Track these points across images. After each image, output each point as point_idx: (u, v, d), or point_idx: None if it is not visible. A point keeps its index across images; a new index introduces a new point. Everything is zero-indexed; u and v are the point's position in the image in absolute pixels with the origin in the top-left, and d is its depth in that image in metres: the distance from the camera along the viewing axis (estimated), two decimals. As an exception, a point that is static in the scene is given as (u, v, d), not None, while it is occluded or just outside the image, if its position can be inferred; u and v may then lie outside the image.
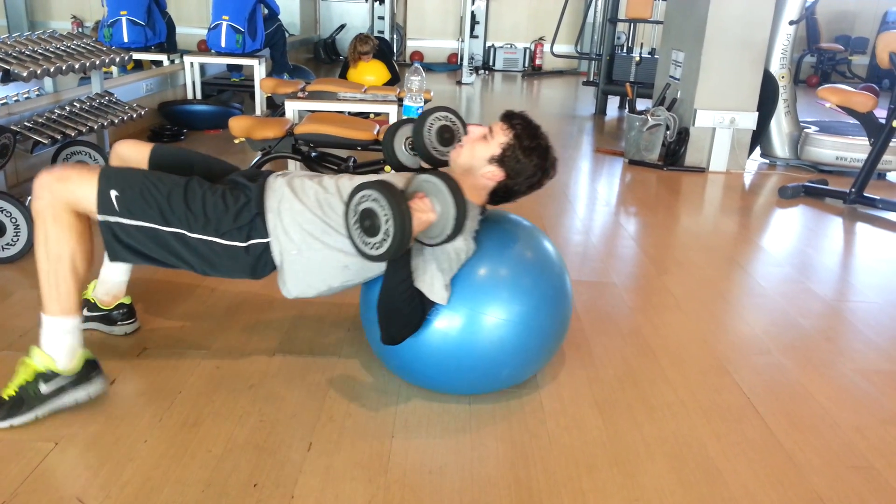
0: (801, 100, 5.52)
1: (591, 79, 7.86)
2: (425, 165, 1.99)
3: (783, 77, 4.85)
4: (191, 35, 7.58)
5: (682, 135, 4.72)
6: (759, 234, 3.57)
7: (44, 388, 1.69)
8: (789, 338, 2.38)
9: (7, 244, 2.59)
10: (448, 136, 1.98)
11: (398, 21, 10.35)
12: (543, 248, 1.93)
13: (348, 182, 1.84)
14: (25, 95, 3.67)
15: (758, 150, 5.03)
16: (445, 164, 1.94)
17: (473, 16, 9.62)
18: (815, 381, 2.09)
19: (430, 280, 1.67)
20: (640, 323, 2.43)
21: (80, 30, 7.89)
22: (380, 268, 1.75)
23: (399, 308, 1.67)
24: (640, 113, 4.83)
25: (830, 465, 1.70)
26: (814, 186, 4.18)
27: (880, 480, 1.66)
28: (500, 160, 1.79)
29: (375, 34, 8.92)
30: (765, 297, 2.74)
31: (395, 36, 9.99)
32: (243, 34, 5.35)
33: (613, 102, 7.20)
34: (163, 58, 5.67)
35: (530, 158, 1.80)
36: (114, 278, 2.11)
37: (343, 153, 3.51)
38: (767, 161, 5.05)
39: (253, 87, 5.58)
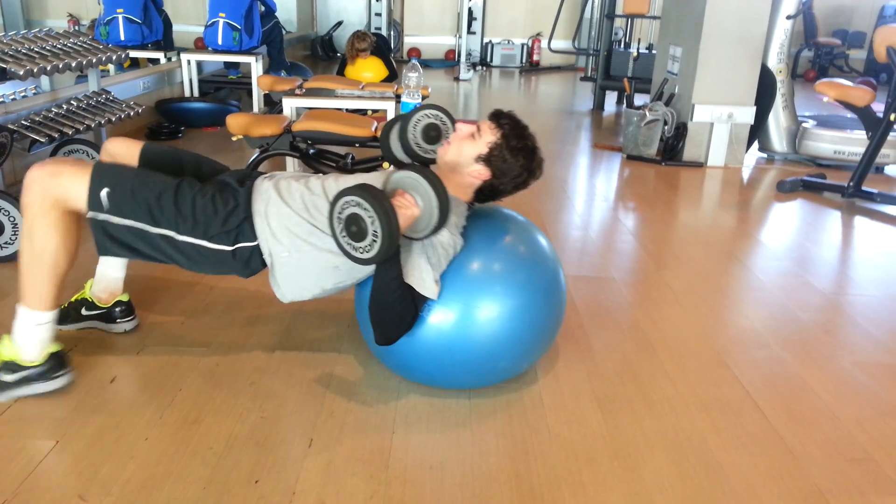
0: (799, 94, 5.52)
1: (589, 74, 7.86)
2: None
3: (781, 71, 4.85)
4: (187, 32, 7.56)
5: (680, 130, 4.72)
6: (758, 229, 3.57)
7: (7, 377, 1.75)
8: (788, 331, 2.38)
9: (5, 243, 2.59)
10: (434, 135, 1.99)
11: (395, 17, 10.34)
12: (535, 241, 1.93)
13: (334, 183, 1.84)
14: (22, 94, 3.66)
15: (756, 145, 5.03)
16: (432, 161, 1.95)
17: (471, 12, 9.61)
18: (814, 375, 2.10)
19: (420, 275, 1.68)
20: (640, 317, 2.43)
21: (76, 28, 7.86)
22: (370, 267, 1.75)
23: (391, 306, 1.67)
24: (638, 108, 4.83)
25: (830, 458, 1.71)
26: (812, 181, 4.18)
27: (880, 473, 1.66)
28: (487, 159, 1.80)
29: (373, 31, 8.91)
30: (764, 290, 2.74)
31: (392, 32, 9.98)
32: (240, 31, 5.34)
33: (611, 98, 7.19)
34: (159, 55, 5.66)
35: (517, 158, 1.81)
36: (110, 275, 2.11)
37: (341, 150, 3.50)
38: (765, 155, 5.06)
39: (250, 84, 5.57)
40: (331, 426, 1.73)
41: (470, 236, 1.80)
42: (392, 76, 5.70)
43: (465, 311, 1.74)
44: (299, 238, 1.78)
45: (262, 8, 5.83)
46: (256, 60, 5.47)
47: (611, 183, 4.41)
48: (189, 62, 5.42)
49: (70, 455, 1.58)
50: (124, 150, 1.97)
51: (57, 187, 1.69)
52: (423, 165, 1.76)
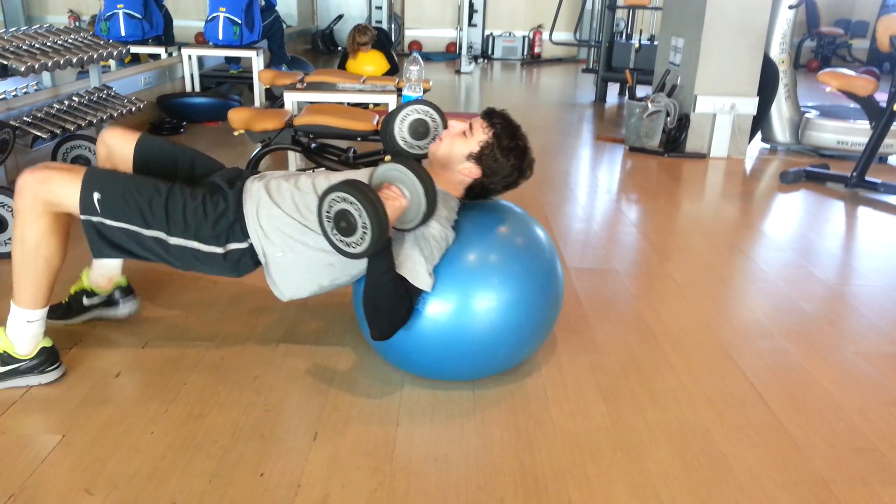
0: (802, 84, 5.50)
1: (591, 66, 7.84)
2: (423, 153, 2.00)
3: (783, 62, 4.83)
4: (188, 27, 7.55)
5: (683, 121, 4.71)
6: (761, 220, 3.56)
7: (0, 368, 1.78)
8: (792, 322, 2.38)
9: (8, 240, 2.59)
10: (423, 130, 2.00)
11: (396, 11, 10.31)
12: (531, 232, 1.94)
13: (324, 180, 1.85)
14: (24, 90, 3.66)
15: (758, 136, 5.01)
16: (423, 156, 1.97)
17: (471, 4, 9.58)
18: (818, 365, 2.10)
19: (413, 266, 1.68)
20: (643, 309, 2.43)
21: (76, 24, 7.85)
22: (364, 262, 1.75)
23: (385, 300, 1.67)
24: (640, 100, 4.82)
25: (834, 448, 1.71)
26: (815, 171, 4.17)
27: (884, 462, 1.67)
28: (478, 158, 1.81)
29: (373, 24, 8.89)
30: (767, 281, 2.74)
31: (392, 26, 9.96)
32: (240, 26, 5.33)
33: (613, 89, 7.18)
34: (160, 51, 5.65)
35: (508, 158, 1.82)
36: (107, 262, 2.12)
37: (343, 144, 3.50)
38: (768, 146, 5.04)
39: (251, 78, 5.56)
40: (335, 419, 1.74)
41: (467, 227, 1.81)
42: (393, 70, 5.69)
43: (462, 302, 1.75)
44: (292, 238, 1.80)
45: (263, 2, 5.83)
46: (257, 55, 5.47)
47: (613, 175, 4.40)
48: (190, 57, 5.41)
49: (76, 449, 1.59)
50: (120, 142, 1.98)
51: (47, 193, 1.71)
52: (409, 158, 1.76)
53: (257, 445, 1.63)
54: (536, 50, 10.34)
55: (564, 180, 4.10)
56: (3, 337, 1.79)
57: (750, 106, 4.66)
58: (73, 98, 3.45)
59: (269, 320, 2.21)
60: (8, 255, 2.58)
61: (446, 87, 7.54)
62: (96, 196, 1.72)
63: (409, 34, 10.60)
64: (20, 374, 1.80)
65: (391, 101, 3.86)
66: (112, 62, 4.88)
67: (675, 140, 4.73)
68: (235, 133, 3.30)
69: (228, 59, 6.08)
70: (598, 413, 1.81)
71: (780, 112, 4.88)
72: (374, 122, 3.30)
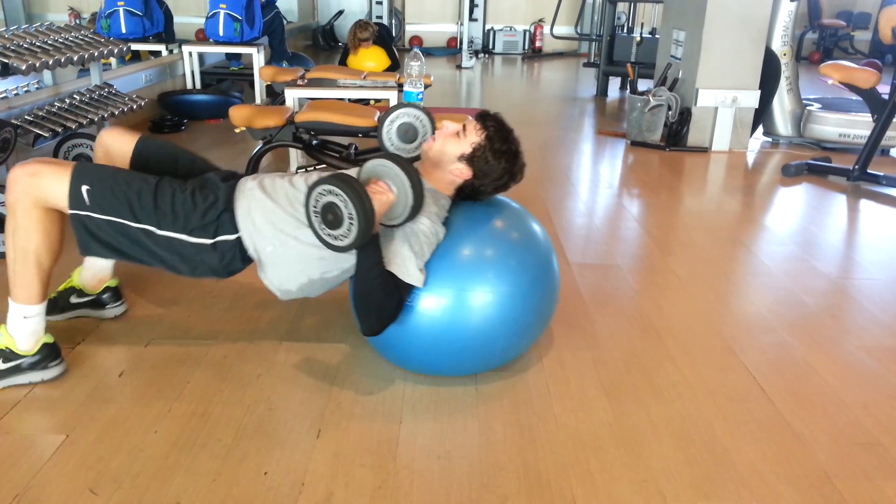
0: (803, 77, 5.48)
1: (592, 60, 7.81)
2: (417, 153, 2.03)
3: (785, 54, 4.81)
4: (188, 24, 7.54)
5: (684, 115, 4.70)
6: (763, 213, 3.56)
7: (1, 365, 1.79)
8: (794, 316, 2.38)
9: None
10: (411, 134, 2.03)
11: (396, 6, 10.28)
12: (524, 224, 1.95)
13: (317, 178, 1.85)
14: (25, 89, 3.66)
15: (760, 129, 5.00)
16: (416, 159, 1.98)
17: (472, -1, 9.55)
18: (820, 359, 2.09)
19: (403, 262, 1.69)
20: (645, 304, 2.43)
21: (77, 21, 7.85)
22: (353, 256, 1.76)
23: (374, 294, 1.67)
24: (642, 94, 4.80)
25: (837, 443, 1.71)
26: (817, 164, 4.16)
27: (887, 457, 1.67)
28: (470, 159, 1.83)
29: (374, 20, 8.87)
30: (769, 275, 2.74)
31: (393, 21, 9.93)
32: (241, 22, 5.32)
33: (614, 84, 7.15)
34: (161, 48, 5.65)
35: (499, 161, 1.84)
36: (98, 262, 2.13)
37: (344, 140, 3.50)
38: (770, 139, 5.03)
39: (252, 75, 5.56)
40: (338, 417, 1.74)
41: (462, 221, 1.83)
42: (394, 65, 5.68)
43: (458, 296, 1.75)
44: (283, 233, 1.80)
45: (263, -2, 5.81)
46: (258, 51, 5.46)
47: (615, 169, 4.39)
48: (191, 54, 5.41)
49: (80, 448, 1.59)
50: (118, 143, 1.98)
51: (37, 188, 1.72)
52: (398, 155, 1.78)
53: (261, 444, 1.63)
54: (537, 44, 10.30)
55: (566, 175, 4.10)
56: (4, 334, 1.80)
57: (752, 99, 4.65)
58: (74, 96, 3.45)
59: (270, 318, 2.22)
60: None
61: (447, 83, 7.53)
62: (85, 188, 1.73)
63: (410, 29, 10.57)
64: (22, 370, 1.81)
65: (392, 97, 3.86)
66: (113, 60, 4.88)
67: (676, 134, 4.72)
68: (236, 130, 3.30)
69: (229, 56, 6.08)
70: (600, 409, 1.82)
71: (781, 105, 4.87)
72: (376, 119, 3.30)
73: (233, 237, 1.82)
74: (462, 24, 9.43)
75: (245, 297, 2.35)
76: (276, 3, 6.34)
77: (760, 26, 4.55)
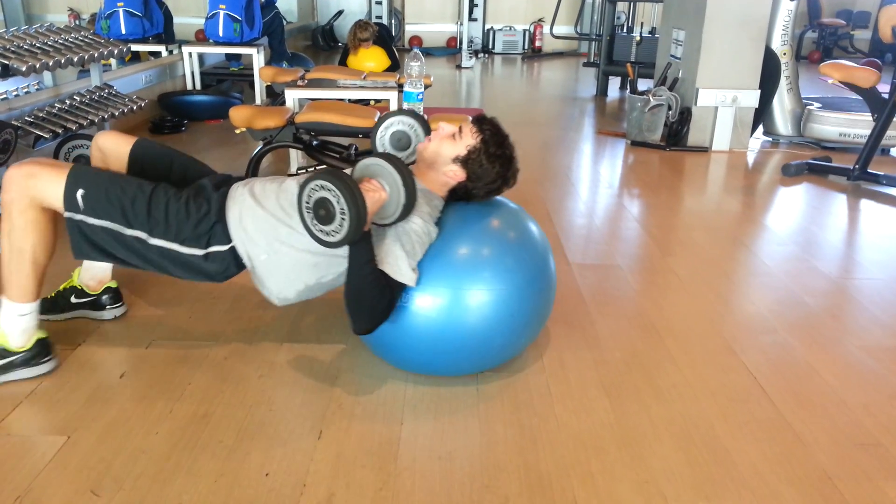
0: (803, 76, 5.48)
1: (592, 60, 7.82)
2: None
3: (785, 54, 4.81)
4: (188, 25, 7.54)
5: (685, 114, 4.70)
6: (763, 213, 3.56)
7: None
8: (795, 316, 2.38)
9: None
10: (405, 141, 2.06)
11: (396, 6, 10.28)
12: (520, 222, 1.95)
13: None
14: (25, 90, 3.66)
15: (760, 129, 5.00)
16: (411, 163, 2.01)
17: (472, -1, 9.56)
18: (821, 360, 2.10)
19: (395, 262, 1.69)
20: (646, 305, 2.43)
21: (76, 22, 7.85)
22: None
23: (366, 292, 1.68)
24: (642, 93, 4.81)
25: (838, 443, 1.71)
26: (817, 164, 4.16)
27: (888, 457, 1.67)
28: (465, 161, 1.84)
29: (374, 20, 8.87)
30: (770, 275, 2.74)
31: (393, 21, 9.93)
32: (241, 23, 5.32)
33: (614, 83, 7.15)
34: (161, 49, 5.65)
35: (493, 165, 1.85)
36: (99, 263, 2.13)
37: (345, 141, 3.50)
38: (770, 139, 5.03)
39: (252, 75, 5.56)
40: (339, 418, 1.74)
41: (458, 220, 1.84)
42: (394, 66, 5.68)
43: (454, 295, 1.76)
44: (277, 241, 1.81)
45: (263, -1, 5.81)
46: (258, 52, 5.46)
47: (615, 169, 4.39)
48: (190, 55, 5.41)
49: (82, 450, 1.60)
50: (114, 145, 1.99)
51: (33, 188, 1.73)
52: (392, 155, 1.80)
53: (262, 445, 1.63)
54: (537, 44, 10.31)
55: (566, 175, 4.10)
56: None
57: (752, 99, 4.65)
58: (75, 97, 3.45)
59: (271, 319, 2.22)
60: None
61: (447, 82, 7.53)
62: (80, 193, 1.74)
63: (410, 29, 10.57)
64: (15, 367, 1.83)
65: (392, 98, 3.86)
66: (113, 61, 4.88)
67: (676, 134, 4.72)
68: (237, 131, 3.30)
69: (229, 57, 6.08)
70: (601, 409, 1.82)
71: (781, 104, 4.87)
72: (376, 119, 3.30)
73: (225, 248, 1.83)
74: (462, 24, 9.43)
75: (246, 298, 2.35)
76: (276, 4, 6.34)
77: (760, 25, 4.56)
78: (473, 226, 1.87)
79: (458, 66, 8.68)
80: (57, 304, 2.14)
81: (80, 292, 2.15)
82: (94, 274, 2.15)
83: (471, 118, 1.91)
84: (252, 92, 5.66)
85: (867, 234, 3.32)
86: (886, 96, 3.88)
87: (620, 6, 7.45)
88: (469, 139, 1.84)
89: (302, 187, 1.65)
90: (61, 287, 2.17)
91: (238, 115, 3.23)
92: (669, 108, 4.68)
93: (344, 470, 1.56)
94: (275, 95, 5.37)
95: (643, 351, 2.12)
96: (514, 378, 1.94)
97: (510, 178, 1.91)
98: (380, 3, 9.75)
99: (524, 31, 10.31)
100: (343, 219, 1.60)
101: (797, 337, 2.23)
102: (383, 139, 2.08)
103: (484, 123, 1.87)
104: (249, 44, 5.46)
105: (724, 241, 3.10)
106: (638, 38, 6.70)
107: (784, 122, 4.90)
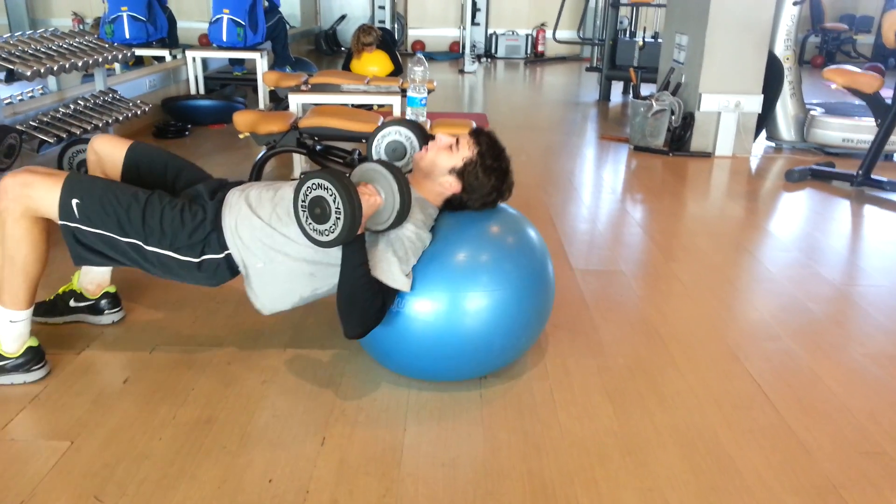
0: (806, 81, 5.48)
1: (595, 64, 7.82)
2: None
3: (788, 59, 4.81)
4: (191, 29, 7.56)
5: (688, 120, 4.70)
6: (767, 219, 3.55)
7: None
8: (799, 323, 2.37)
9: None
10: (400, 151, 2.09)
11: (399, 10, 10.30)
12: (521, 230, 1.95)
13: None
14: (30, 94, 3.67)
15: (763, 134, 5.00)
16: (409, 172, 2.02)
17: (474, 3, 9.57)
18: (825, 367, 2.09)
19: (388, 268, 1.70)
20: (649, 311, 2.43)
21: (80, 27, 7.88)
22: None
23: (358, 295, 1.68)
24: (645, 98, 4.81)
25: (843, 451, 1.70)
26: (821, 169, 4.16)
27: (893, 466, 1.66)
28: (460, 173, 1.86)
29: (377, 24, 8.89)
30: (773, 282, 2.73)
31: (395, 25, 9.95)
32: (244, 27, 5.33)
33: (617, 88, 7.16)
34: (164, 53, 5.66)
35: (489, 178, 1.87)
36: (97, 268, 2.15)
37: (348, 146, 3.50)
38: (773, 144, 5.02)
39: (255, 80, 5.57)
40: (342, 424, 1.74)
41: (456, 225, 1.86)
42: (397, 70, 5.69)
43: (452, 299, 1.77)
44: (273, 249, 1.82)
45: (266, 3, 5.82)
46: (261, 56, 5.47)
47: (618, 174, 4.39)
48: (194, 59, 5.41)
49: (85, 455, 1.60)
50: (110, 149, 2.01)
51: (28, 197, 1.74)
52: (388, 162, 1.81)
53: (266, 451, 1.63)
54: (540, 48, 10.32)
55: (569, 180, 4.10)
56: None
57: (755, 104, 4.65)
58: (79, 102, 3.46)
59: (274, 324, 2.22)
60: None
61: (450, 87, 7.54)
62: (75, 202, 1.75)
63: (412, 34, 10.59)
64: (6, 371, 1.84)
65: (396, 103, 3.86)
66: (116, 65, 4.90)
67: (679, 139, 4.72)
68: (241, 136, 3.31)
69: (232, 61, 6.09)
70: (605, 416, 1.81)
71: (785, 110, 4.87)
72: (379, 124, 3.30)
73: (219, 256, 1.84)
74: (464, 29, 9.44)
75: (249, 303, 2.33)
76: (279, 8, 6.35)
77: (763, 30, 4.56)
78: (469, 229, 1.88)
79: (461, 71, 8.69)
80: (55, 307, 2.15)
81: (79, 296, 2.16)
82: (94, 278, 2.16)
83: (472, 128, 1.93)
84: (255, 97, 5.67)
85: (871, 241, 3.32)
86: (890, 101, 3.87)
87: (623, 11, 7.45)
88: (465, 151, 1.86)
89: (299, 185, 1.66)
90: (60, 290, 2.18)
91: (242, 119, 3.24)
92: (672, 113, 4.68)
93: (347, 476, 1.56)
94: (278, 100, 5.38)
95: (647, 357, 2.11)
96: (518, 384, 1.94)
97: (505, 191, 1.93)
98: (383, 7, 9.76)
99: (527, 35, 10.32)
100: (338, 219, 1.61)
101: (801, 344, 2.23)
102: (378, 148, 2.10)
103: (480, 136, 1.89)
104: (253, 48, 5.47)
105: (728, 247, 3.10)
106: (641, 42, 6.71)
107: (787, 128, 4.90)
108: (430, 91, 3.37)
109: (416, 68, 3.25)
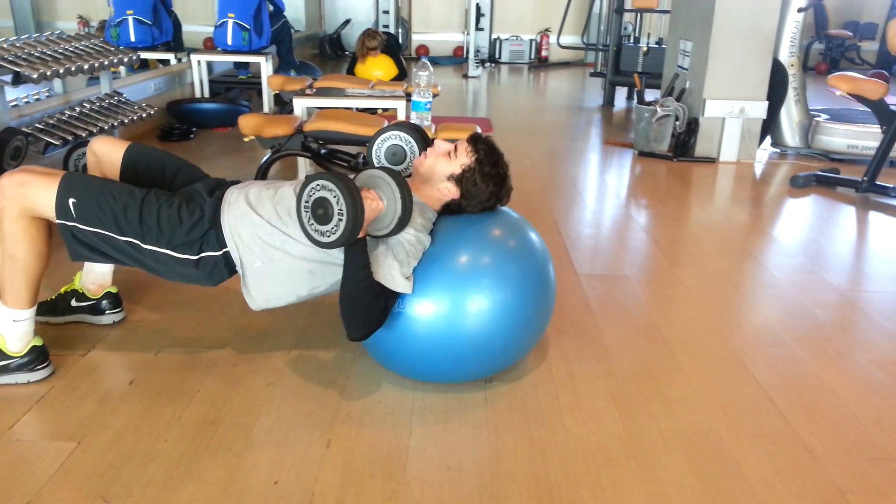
0: (810, 87, 5.48)
1: (599, 70, 7.84)
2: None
3: (792, 65, 4.82)
4: (196, 33, 7.59)
5: (692, 125, 4.70)
6: (772, 225, 3.55)
7: None
8: (804, 329, 2.37)
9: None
10: (400, 155, 2.09)
11: (403, 15, 10.33)
12: (521, 232, 1.96)
13: None
14: (35, 97, 3.69)
15: (768, 140, 5.00)
16: (408, 176, 2.03)
17: (478, 8, 9.59)
18: (831, 373, 2.09)
19: (388, 271, 1.71)
20: (654, 316, 2.42)
21: (86, 30, 7.91)
22: (341, 269, 1.78)
23: (360, 297, 1.69)
24: (649, 104, 4.81)
25: (849, 457, 1.70)
26: (825, 175, 4.15)
27: (900, 471, 1.66)
28: (459, 180, 1.87)
29: (381, 28, 8.91)
30: (778, 287, 2.73)
31: (400, 30, 9.98)
32: (249, 31, 5.35)
33: (621, 94, 7.16)
34: (170, 57, 5.68)
35: (487, 184, 1.88)
36: (99, 268, 2.16)
37: (353, 150, 3.51)
38: (778, 150, 5.02)
39: (260, 84, 5.58)
40: (348, 427, 1.74)
41: (456, 228, 1.87)
42: (402, 74, 5.70)
43: (454, 299, 1.77)
44: (272, 247, 1.82)
45: (271, 7, 5.84)
46: (266, 60, 5.49)
47: (622, 180, 4.40)
48: (199, 63, 5.44)
49: (91, 456, 1.60)
50: (108, 150, 2.02)
51: (25, 197, 1.75)
52: (391, 168, 1.82)
53: (271, 453, 1.63)
54: (544, 53, 10.34)
55: (573, 185, 4.10)
56: None
57: (759, 110, 4.65)
58: (84, 104, 3.47)
59: (281, 327, 2.22)
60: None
61: (454, 92, 7.55)
62: (72, 201, 1.75)
63: (416, 38, 10.62)
64: (10, 370, 1.84)
65: (400, 107, 3.87)
66: (122, 68, 4.91)
67: (684, 144, 4.73)
68: (246, 139, 3.31)
69: (237, 65, 6.11)
70: (610, 420, 1.81)
71: (789, 116, 4.87)
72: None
73: (217, 253, 1.84)
74: (468, 34, 9.46)
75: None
76: (284, 12, 6.37)
77: (768, 37, 4.56)
78: (469, 231, 1.89)
79: (465, 76, 8.71)
80: (57, 306, 2.16)
81: (81, 296, 2.17)
82: (95, 278, 2.16)
83: (469, 134, 1.94)
84: (260, 100, 5.69)
85: (876, 247, 3.31)
86: (894, 108, 3.87)
87: (627, 16, 7.47)
88: (464, 158, 1.87)
89: (303, 186, 1.67)
90: (62, 290, 2.18)
91: (247, 123, 3.24)
92: (677, 118, 4.69)
93: (353, 479, 1.56)
94: (282, 104, 5.39)
95: (652, 362, 2.11)
96: (523, 388, 1.93)
97: (503, 197, 1.94)
98: (387, 12, 9.79)
99: (531, 40, 10.34)
100: (340, 220, 1.62)
101: (807, 349, 2.22)
102: (378, 152, 2.10)
103: (479, 142, 1.90)
104: (258, 52, 5.49)
105: (733, 253, 3.09)
106: (645, 48, 6.71)
107: (792, 134, 4.90)
108: (434, 95, 3.38)
109: (421, 73, 3.26)
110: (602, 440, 1.73)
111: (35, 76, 2.91)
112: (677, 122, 4.69)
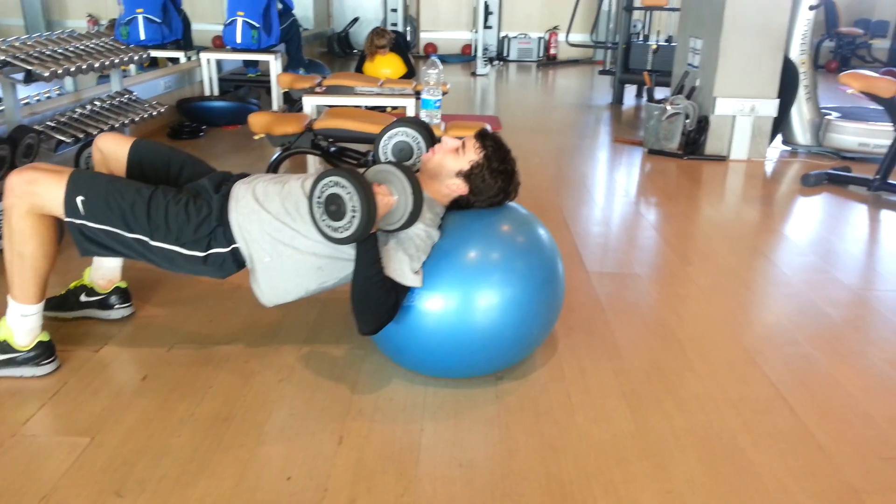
0: (821, 85, 5.44)
1: (608, 68, 7.81)
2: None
3: (803, 63, 4.79)
4: (206, 31, 7.60)
5: (702, 123, 4.68)
6: (783, 223, 3.53)
7: None
8: (816, 327, 2.36)
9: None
10: (407, 151, 2.10)
11: (411, 13, 10.32)
12: (530, 228, 1.96)
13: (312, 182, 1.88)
14: (47, 95, 3.71)
15: (779, 138, 4.97)
16: (416, 171, 2.03)
17: (487, 6, 9.58)
18: (844, 371, 2.07)
19: (398, 265, 1.72)
20: (666, 314, 2.42)
21: (96, 28, 7.94)
22: (352, 264, 1.78)
23: (372, 291, 1.70)
24: (659, 102, 4.79)
25: (863, 456, 1.69)
26: (837, 174, 4.13)
27: (914, 470, 1.64)
28: (467, 176, 1.88)
29: (389, 27, 8.91)
30: (790, 286, 2.72)
31: (408, 28, 9.97)
32: (258, 30, 5.36)
33: (630, 91, 7.14)
34: (179, 55, 5.69)
35: (495, 180, 1.89)
36: (108, 263, 2.17)
37: (362, 147, 3.51)
38: (789, 148, 5.00)
39: (269, 82, 5.60)
40: (360, 423, 1.74)
41: (465, 223, 1.87)
42: (410, 73, 5.70)
43: (461, 289, 1.78)
44: (281, 243, 1.83)
45: (280, 6, 5.85)
46: (275, 58, 5.50)
47: (632, 177, 4.38)
48: (209, 61, 5.45)
49: (105, 452, 1.60)
50: (114, 147, 2.03)
51: (33, 195, 1.76)
52: (401, 163, 1.82)
53: (283, 449, 1.63)
54: (552, 51, 10.31)
55: (582, 183, 4.09)
56: (3, 326, 1.85)
57: (770, 108, 4.62)
58: (95, 102, 3.49)
59: (292, 323, 2.22)
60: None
61: (462, 90, 7.54)
62: (80, 199, 1.76)
63: (425, 37, 10.61)
64: (17, 364, 1.86)
65: (409, 105, 3.87)
66: (132, 67, 4.93)
67: (694, 142, 4.71)
68: (255, 137, 3.32)
69: (246, 63, 6.12)
70: (622, 419, 1.81)
71: (800, 114, 4.84)
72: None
73: (226, 250, 1.85)
74: (477, 32, 9.45)
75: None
76: (293, 11, 6.38)
77: (778, 34, 4.53)
78: (478, 226, 1.89)
79: (473, 74, 8.69)
80: (66, 301, 2.17)
81: (90, 291, 2.18)
82: (104, 274, 2.17)
83: (477, 131, 1.94)
84: (269, 98, 5.70)
85: (888, 245, 3.29)
86: (907, 106, 3.84)
87: (637, 14, 7.44)
88: (472, 154, 1.88)
89: (316, 181, 1.68)
90: (71, 285, 2.19)
91: (257, 121, 3.25)
92: (687, 116, 4.67)
93: (365, 475, 1.56)
94: (291, 102, 5.40)
95: (663, 360, 2.11)
96: (534, 386, 1.93)
97: (511, 192, 1.95)
98: (395, 10, 9.78)
99: (539, 38, 10.31)
100: (353, 216, 1.63)
101: (819, 348, 2.21)
102: (385, 149, 2.11)
103: (486, 139, 1.91)
104: (267, 50, 5.50)
105: (744, 251, 3.08)
106: (654, 46, 6.69)
107: (803, 132, 4.87)
108: (444, 93, 3.38)
109: (430, 71, 3.26)
110: (614, 438, 1.72)
111: (46, 74, 2.92)
112: (687, 120, 4.67)
